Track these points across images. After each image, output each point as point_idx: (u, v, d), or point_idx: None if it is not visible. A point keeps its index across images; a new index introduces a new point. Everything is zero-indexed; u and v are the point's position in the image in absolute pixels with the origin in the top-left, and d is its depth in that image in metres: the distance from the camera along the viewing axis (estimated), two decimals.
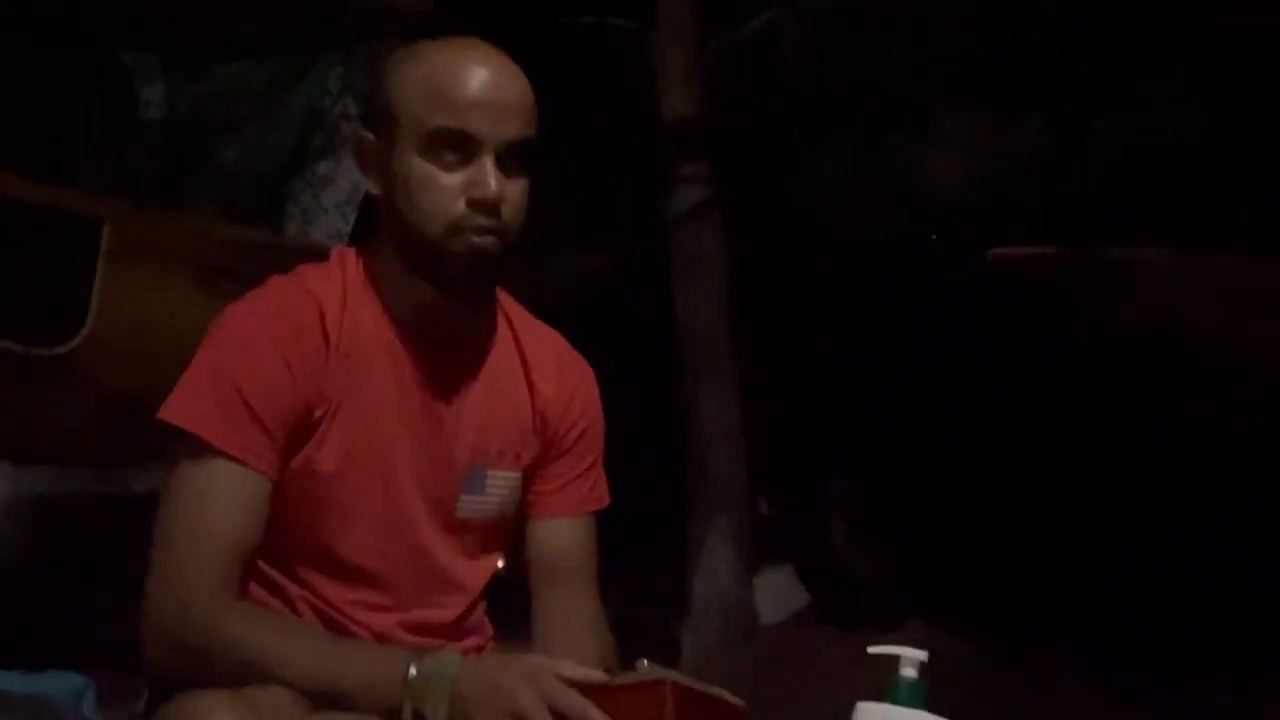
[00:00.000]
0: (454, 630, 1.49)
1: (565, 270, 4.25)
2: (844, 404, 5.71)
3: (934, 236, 5.58)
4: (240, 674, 1.26)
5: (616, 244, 5.18)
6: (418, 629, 1.46)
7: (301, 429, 1.39)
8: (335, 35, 5.02)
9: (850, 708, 1.28)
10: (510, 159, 1.38)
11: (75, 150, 5.08)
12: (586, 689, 1.20)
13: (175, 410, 1.34)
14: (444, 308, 1.43)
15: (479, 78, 1.38)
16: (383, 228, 1.45)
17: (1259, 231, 4.39)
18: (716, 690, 1.24)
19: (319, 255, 1.52)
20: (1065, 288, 4.25)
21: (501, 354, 1.51)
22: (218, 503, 1.32)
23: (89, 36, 4.87)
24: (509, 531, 1.54)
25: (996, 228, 5.30)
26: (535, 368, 1.52)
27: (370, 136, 1.44)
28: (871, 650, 1.28)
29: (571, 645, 1.46)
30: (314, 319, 1.40)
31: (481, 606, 1.54)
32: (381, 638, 1.41)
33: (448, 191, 1.37)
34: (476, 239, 1.37)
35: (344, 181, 5.06)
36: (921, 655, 1.25)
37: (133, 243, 3.54)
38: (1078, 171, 5.16)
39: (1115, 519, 5.07)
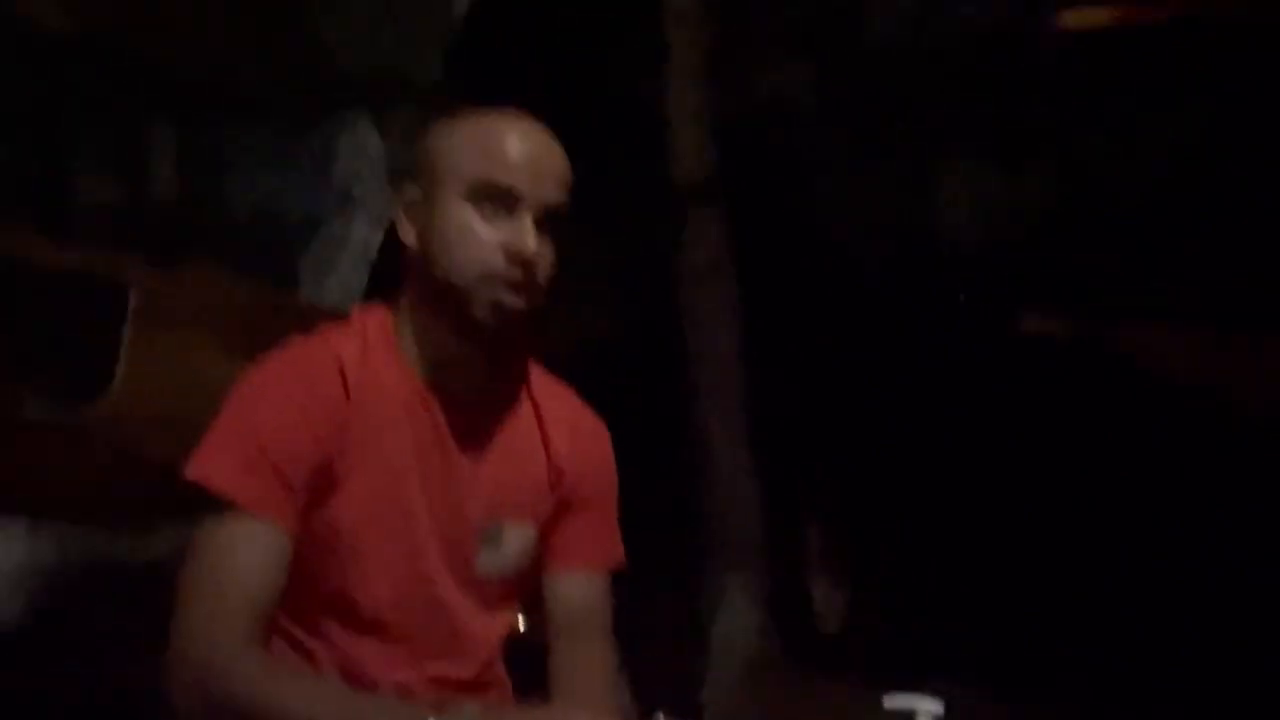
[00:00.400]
0: (473, 685, 1.51)
1: (577, 326, 4.28)
2: (860, 453, 5.71)
3: (962, 297, 5.60)
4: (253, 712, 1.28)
5: (626, 301, 5.22)
6: (437, 683, 1.48)
7: (321, 483, 1.42)
8: (345, 100, 5.11)
9: None
10: (546, 224, 1.44)
11: (85, 210, 5.17)
12: None
13: (200, 468, 1.38)
14: (466, 361, 1.46)
15: (527, 141, 1.45)
16: (411, 281, 1.49)
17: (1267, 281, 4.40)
18: None
19: (341, 316, 1.56)
20: (1091, 359, 4.26)
21: (518, 410, 1.54)
22: (240, 558, 1.35)
23: (99, 100, 4.97)
24: (526, 587, 1.57)
25: (1007, 274, 5.33)
26: (550, 424, 1.56)
27: (416, 188, 1.48)
28: (887, 702, 1.30)
29: (588, 699, 1.49)
30: (334, 375, 1.44)
31: (500, 662, 1.56)
32: (402, 691, 1.44)
33: (485, 243, 1.42)
34: (506, 294, 1.41)
35: (356, 239, 5.09)
36: (937, 708, 1.27)
37: (159, 305, 3.59)
38: (1085, 217, 5.19)
39: (1131, 566, 5.04)
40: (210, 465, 1.38)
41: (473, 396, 1.50)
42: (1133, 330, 3.93)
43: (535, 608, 1.58)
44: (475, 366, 1.47)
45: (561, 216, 1.46)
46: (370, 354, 1.47)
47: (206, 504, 1.38)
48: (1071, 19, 3.72)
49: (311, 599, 1.44)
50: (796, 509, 5.11)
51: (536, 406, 1.56)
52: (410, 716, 1.29)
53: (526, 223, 1.41)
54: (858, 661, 4.68)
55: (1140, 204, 4.88)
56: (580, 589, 1.56)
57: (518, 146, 1.43)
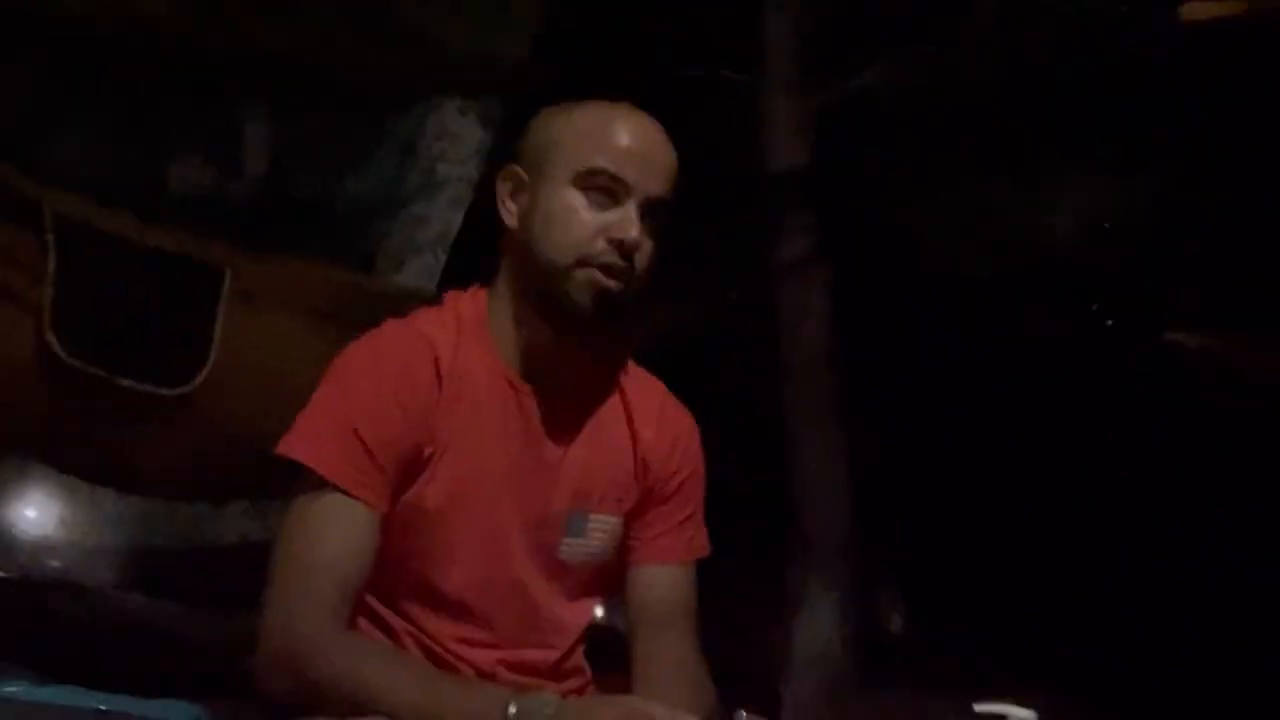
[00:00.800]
0: (555, 671, 1.50)
1: (672, 318, 4.26)
2: (950, 461, 5.62)
3: (1095, 307, 5.47)
4: (347, 703, 1.29)
5: (721, 292, 5.19)
6: (519, 668, 1.47)
7: (411, 466, 1.42)
8: (432, 84, 5.15)
9: None
10: (650, 215, 1.43)
11: (179, 198, 5.27)
12: None
13: (294, 445, 1.39)
14: (558, 349, 1.46)
15: (638, 132, 1.45)
16: (506, 265, 1.49)
17: None
18: None
19: (430, 300, 1.56)
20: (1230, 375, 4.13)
21: (607, 401, 1.53)
22: (331, 536, 1.36)
23: (194, 88, 5.06)
24: (609, 576, 1.55)
25: (1105, 284, 5.20)
26: (639, 415, 1.54)
27: (519, 169, 1.48)
28: (978, 709, 1.26)
29: (670, 692, 1.46)
30: (427, 360, 1.44)
31: (581, 649, 1.55)
32: (484, 675, 1.43)
33: (588, 226, 1.42)
34: (604, 277, 1.41)
35: (437, 222, 5.14)
36: (1029, 715, 1.23)
37: (252, 288, 3.65)
38: (1191, 230, 5.04)
39: (1226, 577, 4.90)
40: (305, 443, 1.39)
41: (563, 385, 1.49)
42: (1255, 347, 3.80)
43: (618, 598, 1.56)
44: (568, 355, 1.47)
45: (665, 210, 1.45)
46: (463, 340, 1.47)
47: (298, 481, 1.39)
48: (1197, 10, 3.57)
49: (395, 579, 1.44)
50: (885, 514, 5.04)
51: (625, 398, 1.55)
52: (491, 700, 1.28)
53: (631, 211, 1.42)
54: (939, 672, 4.60)
55: (1266, 211, 4.70)
56: (664, 581, 1.54)
57: (629, 137, 1.44)
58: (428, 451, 1.42)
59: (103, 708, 1.89)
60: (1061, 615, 5.05)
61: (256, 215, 5.47)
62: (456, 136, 5.09)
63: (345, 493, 1.36)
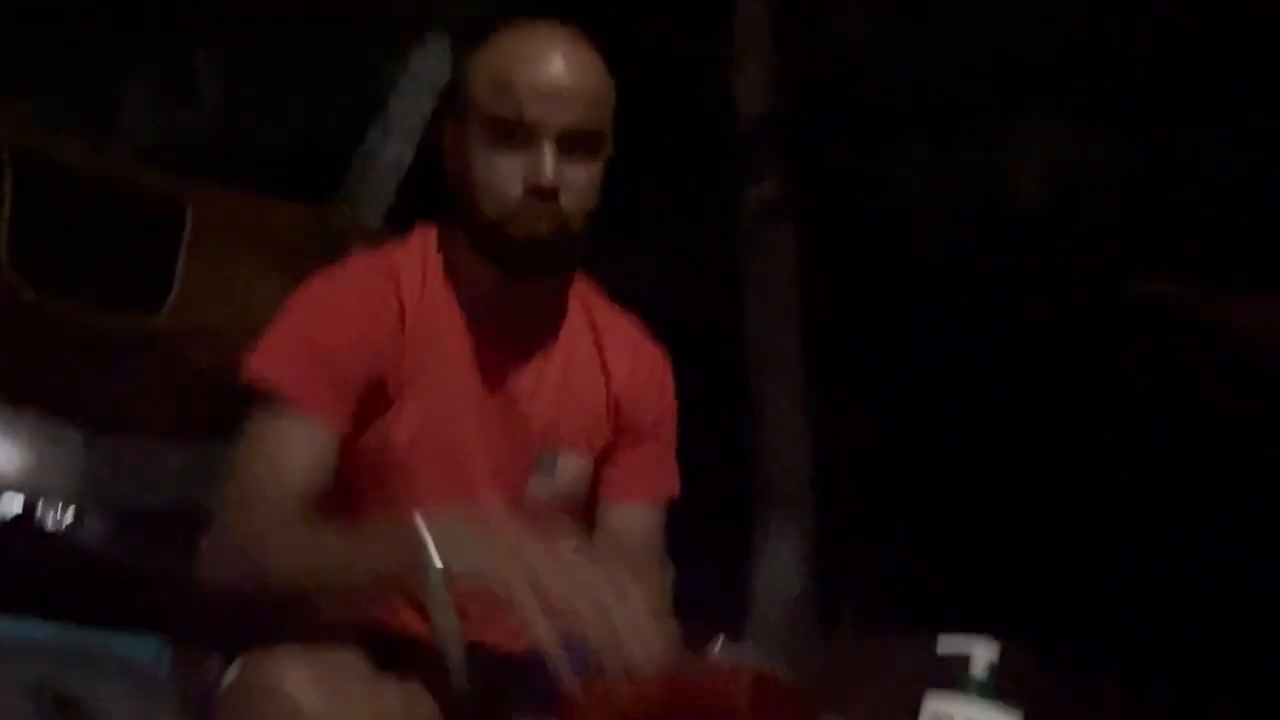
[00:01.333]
0: None
1: (640, 264, 4.25)
2: (914, 408, 5.66)
3: (1068, 263, 5.49)
4: (277, 577, 1.28)
5: (692, 238, 5.19)
6: (487, 600, 1.46)
7: (375, 398, 1.41)
8: (389, 21, 5.10)
9: (919, 703, 1.27)
10: (573, 147, 1.40)
11: (130, 128, 5.18)
12: (663, 673, 1.20)
13: (253, 365, 1.39)
14: (512, 290, 1.45)
15: (541, 64, 1.39)
16: (455, 210, 1.47)
17: None
18: (788, 676, 1.24)
19: (389, 235, 1.55)
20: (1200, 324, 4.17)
21: (577, 338, 1.52)
22: (283, 449, 1.36)
23: (151, 21, 4.97)
24: (578, 516, 1.54)
25: (1074, 237, 5.23)
26: (611, 353, 1.53)
27: (452, 119, 1.46)
28: (942, 644, 1.28)
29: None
30: (390, 290, 1.43)
31: None
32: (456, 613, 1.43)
33: (507, 177, 1.39)
34: (534, 224, 1.39)
35: (389, 155, 5.10)
36: (993, 651, 1.25)
37: (215, 224, 3.62)
38: (1161, 183, 5.07)
39: (1200, 545, 4.98)
40: (262, 362, 1.39)
41: (529, 323, 1.48)
42: (1223, 297, 3.84)
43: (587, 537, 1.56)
44: (522, 294, 1.46)
45: (593, 136, 1.41)
46: (430, 275, 1.46)
47: (256, 401, 1.39)
48: None
49: (361, 517, 1.42)
50: (847, 459, 5.08)
51: (598, 334, 1.54)
52: (403, 533, 1.22)
53: (544, 152, 1.38)
54: (904, 612, 4.67)
55: (1235, 161, 4.74)
56: (634, 520, 1.54)
57: (529, 73, 1.39)
58: (393, 383, 1.42)
59: (65, 642, 1.88)
60: (1022, 558, 5.13)
61: (209, 146, 5.41)
62: (413, 71, 5.04)
63: (300, 409, 1.36)
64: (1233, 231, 4.80)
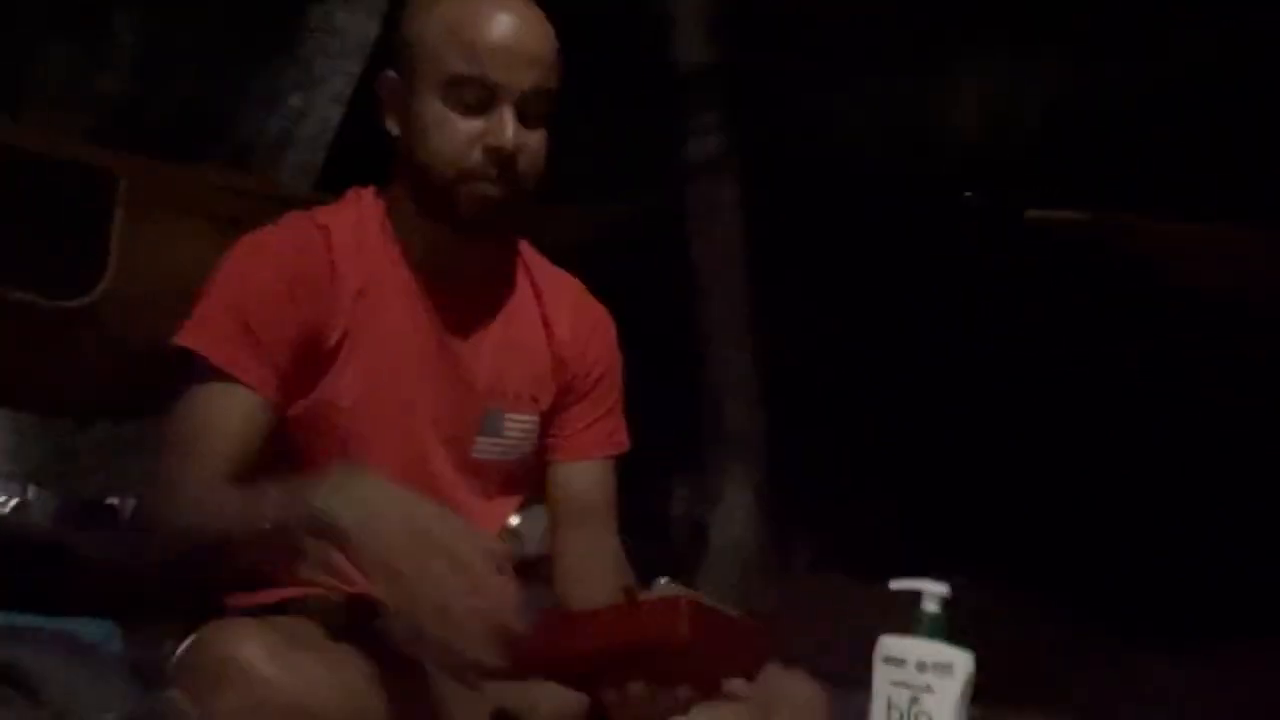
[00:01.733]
0: None
1: (582, 217, 4.23)
2: (861, 353, 5.70)
3: (968, 194, 5.53)
4: (197, 537, 1.28)
5: (634, 191, 5.16)
6: None
7: (313, 359, 1.40)
8: None
9: (872, 646, 1.29)
10: (529, 108, 1.38)
11: (43, 90, 5.05)
12: (603, 607, 1.21)
13: (184, 335, 1.38)
14: (456, 250, 1.44)
15: (502, 24, 1.38)
16: (397, 169, 1.45)
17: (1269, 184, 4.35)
18: (733, 611, 1.25)
19: (326, 203, 1.53)
20: (1099, 252, 4.22)
21: (518, 298, 1.52)
22: (214, 416, 1.35)
23: None
24: (527, 475, 1.54)
25: (1010, 171, 5.26)
26: (552, 311, 1.53)
27: (394, 75, 1.43)
28: (893, 585, 1.29)
29: (592, 584, 1.48)
30: (321, 249, 1.42)
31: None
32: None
33: (463, 138, 1.37)
34: (487, 187, 1.38)
35: (316, 117, 5.01)
36: (943, 589, 1.26)
37: (148, 195, 3.55)
38: (1090, 115, 5.11)
39: (1139, 476, 5.06)
40: (191, 329, 1.38)
41: (472, 283, 1.47)
42: (1144, 226, 3.88)
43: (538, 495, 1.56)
44: (468, 253, 1.45)
45: (547, 97, 1.40)
46: (366, 236, 1.45)
47: (184, 369, 1.38)
48: None
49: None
50: (796, 406, 5.11)
51: (539, 294, 1.54)
52: (301, 485, 1.23)
53: (505, 114, 1.37)
54: (854, 557, 4.72)
55: (1157, 95, 4.78)
56: (584, 477, 1.54)
57: (491, 34, 1.37)
58: (331, 342, 1.40)
59: (11, 623, 1.86)
60: (973, 498, 5.19)
61: (127, 108, 5.28)
62: (339, 30, 4.93)
63: (230, 375, 1.35)
64: (1169, 161, 4.85)
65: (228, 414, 1.35)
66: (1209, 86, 4.81)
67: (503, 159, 1.37)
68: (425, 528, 1.16)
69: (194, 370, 1.37)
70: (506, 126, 1.36)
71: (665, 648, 1.15)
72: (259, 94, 5.04)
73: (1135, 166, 4.94)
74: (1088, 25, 5.08)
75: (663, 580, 1.25)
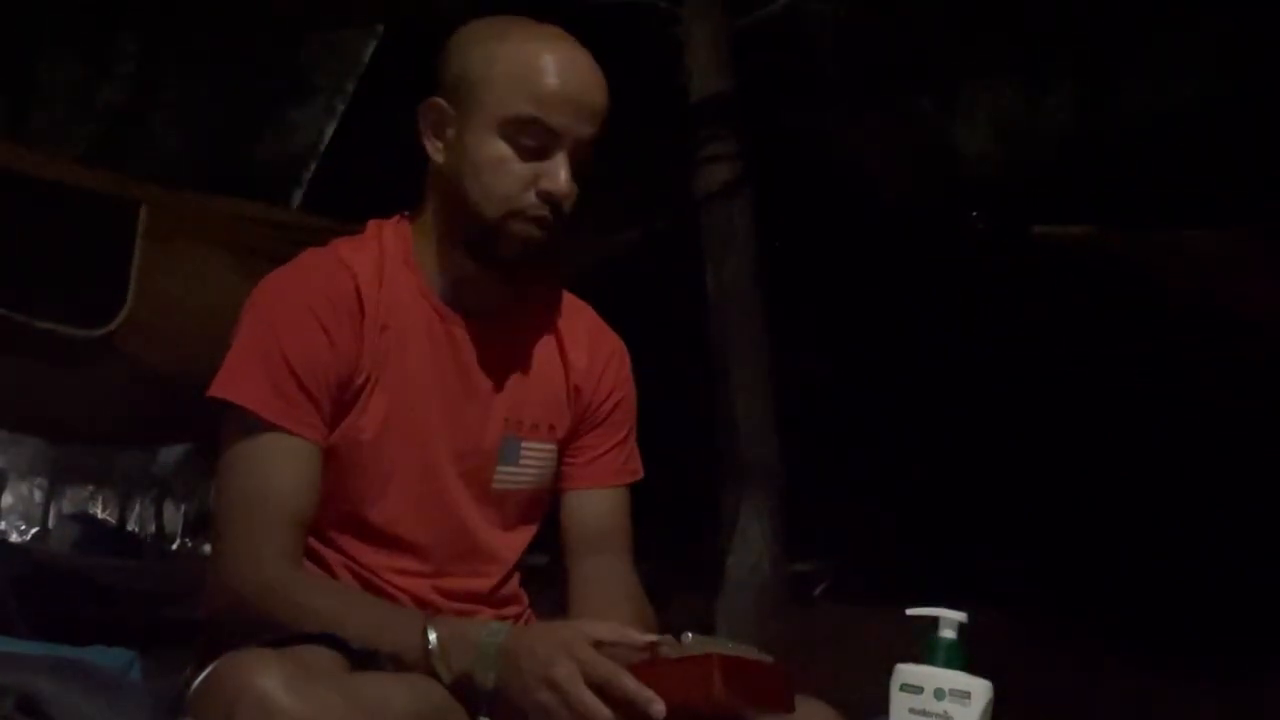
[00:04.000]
0: (491, 599, 1.51)
1: (597, 244, 4.24)
2: (876, 379, 5.69)
3: (975, 214, 5.54)
4: (280, 626, 1.29)
5: (648, 220, 5.18)
6: (455, 596, 1.47)
7: (344, 398, 1.41)
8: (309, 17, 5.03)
9: (890, 674, 1.29)
10: (580, 156, 1.41)
11: (42, 88, 5.08)
12: (635, 665, 1.21)
13: (226, 386, 1.37)
14: (485, 284, 1.45)
15: (569, 73, 1.39)
16: (433, 199, 1.46)
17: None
18: (757, 654, 1.25)
19: (351, 233, 1.53)
20: (1108, 265, 4.22)
21: (535, 327, 1.53)
22: (276, 475, 1.36)
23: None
24: (544, 504, 1.55)
25: (1026, 196, 5.26)
26: (569, 341, 1.54)
27: (444, 103, 1.43)
28: (910, 613, 1.29)
29: (608, 613, 1.47)
30: (349, 289, 1.42)
31: (517, 577, 1.55)
32: (421, 603, 1.44)
33: (519, 178, 1.38)
34: (533, 229, 1.39)
35: (308, 130, 5.05)
36: (961, 617, 1.26)
37: (168, 224, 3.58)
38: (1105, 140, 5.12)
39: (1151, 493, 5.03)
40: (236, 383, 1.37)
41: (491, 314, 1.48)
42: (1155, 244, 3.89)
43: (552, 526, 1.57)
44: (494, 287, 1.45)
45: (592, 146, 1.42)
46: (387, 269, 1.45)
47: (231, 422, 1.37)
48: None
49: (330, 512, 1.43)
50: (811, 433, 5.10)
51: (556, 324, 1.54)
52: (413, 629, 1.28)
53: (562, 160, 1.39)
54: (870, 585, 4.70)
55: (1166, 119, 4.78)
56: (598, 505, 1.55)
57: (560, 78, 1.39)
58: (358, 382, 1.41)
59: (30, 652, 1.87)
60: (991, 526, 5.17)
61: (126, 118, 5.32)
62: (335, 46, 4.97)
63: (285, 430, 1.36)
64: (1177, 183, 4.85)
65: (292, 473, 1.36)
66: (1216, 111, 4.81)
67: (555, 203, 1.39)
68: (553, 677, 1.21)
69: (241, 423, 1.36)
70: (562, 171, 1.38)
71: (699, 705, 1.17)
72: (254, 106, 5.08)
73: (1144, 189, 4.94)
74: (1096, 51, 5.10)
75: (689, 636, 1.25)
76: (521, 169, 1.38)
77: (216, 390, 1.37)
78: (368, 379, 1.42)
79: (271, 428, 1.36)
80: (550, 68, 1.39)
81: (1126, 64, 5.03)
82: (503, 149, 1.38)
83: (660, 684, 1.18)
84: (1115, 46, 5.00)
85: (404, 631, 1.28)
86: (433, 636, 1.26)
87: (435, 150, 1.44)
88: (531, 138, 1.38)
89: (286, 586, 1.33)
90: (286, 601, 1.31)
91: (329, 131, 4.90)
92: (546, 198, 1.38)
